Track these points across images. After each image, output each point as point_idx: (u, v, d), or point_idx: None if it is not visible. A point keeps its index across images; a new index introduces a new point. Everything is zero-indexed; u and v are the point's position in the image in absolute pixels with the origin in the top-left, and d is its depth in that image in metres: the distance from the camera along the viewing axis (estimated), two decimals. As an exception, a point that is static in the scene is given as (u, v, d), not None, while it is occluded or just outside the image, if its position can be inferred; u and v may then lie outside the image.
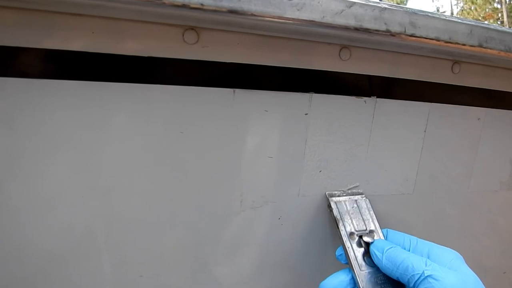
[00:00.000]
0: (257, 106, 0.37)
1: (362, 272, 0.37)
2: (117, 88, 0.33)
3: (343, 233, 0.39)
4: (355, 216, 0.40)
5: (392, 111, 0.43)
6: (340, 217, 0.40)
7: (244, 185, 0.39)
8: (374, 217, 0.41)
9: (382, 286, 0.36)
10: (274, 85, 0.38)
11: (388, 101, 0.43)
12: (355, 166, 0.43)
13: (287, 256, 0.43)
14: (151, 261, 0.38)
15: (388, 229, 0.40)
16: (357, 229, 0.39)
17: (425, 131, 0.45)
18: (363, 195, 0.43)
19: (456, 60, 0.44)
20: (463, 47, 0.39)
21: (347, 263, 0.38)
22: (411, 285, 0.33)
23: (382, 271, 0.36)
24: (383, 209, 0.46)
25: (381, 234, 0.40)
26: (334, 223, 0.40)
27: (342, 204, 0.41)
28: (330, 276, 0.38)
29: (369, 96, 0.42)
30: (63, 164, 0.33)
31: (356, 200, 0.42)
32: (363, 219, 0.40)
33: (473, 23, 0.39)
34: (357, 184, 0.43)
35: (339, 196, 0.42)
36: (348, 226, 0.39)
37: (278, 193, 0.40)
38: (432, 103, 0.45)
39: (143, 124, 0.34)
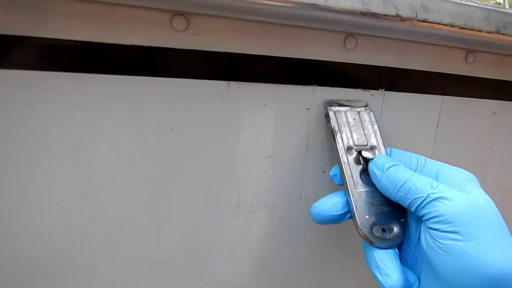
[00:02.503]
0: (254, 100, 0.34)
1: (357, 191, 0.32)
2: (96, 80, 0.29)
3: (339, 146, 0.33)
4: (356, 129, 0.35)
5: (402, 105, 0.40)
6: (338, 128, 0.34)
7: (241, 187, 0.36)
8: (378, 132, 0.35)
9: (379, 207, 0.32)
10: (273, 77, 0.34)
11: (397, 94, 0.39)
12: (362, 165, 0.40)
13: (288, 263, 0.40)
14: (141, 267, 0.34)
15: (393, 148, 0.35)
16: (356, 144, 0.34)
17: (437, 127, 0.42)
18: (367, 107, 0.37)
19: (470, 49, 0.41)
20: (479, 33, 0.36)
21: (342, 184, 0.33)
22: (413, 209, 0.29)
23: (381, 192, 0.31)
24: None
25: (383, 151, 0.34)
26: (330, 135, 0.34)
27: (342, 114, 0.35)
28: (324, 198, 0.33)
29: (376, 88, 0.38)
30: (44, 165, 0.30)
31: (358, 112, 0.36)
32: (364, 133, 0.35)
33: (489, 7, 0.36)
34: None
35: (339, 105, 0.36)
36: (346, 139, 0.34)
37: (278, 195, 0.37)
38: (445, 96, 0.42)
39: (127, 120, 0.31)
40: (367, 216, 0.31)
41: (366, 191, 0.32)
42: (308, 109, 0.36)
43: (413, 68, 0.39)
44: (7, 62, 0.27)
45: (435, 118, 0.42)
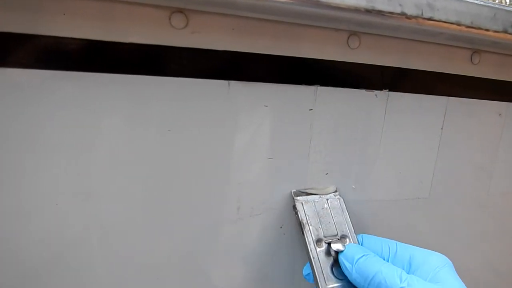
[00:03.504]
0: (255, 101, 0.33)
1: None
2: (92, 79, 0.28)
3: (308, 240, 0.33)
4: (325, 219, 0.34)
5: (406, 106, 0.39)
6: (307, 220, 0.33)
7: (241, 190, 0.35)
8: (348, 218, 0.35)
9: None
10: (274, 77, 0.33)
11: (401, 94, 0.38)
12: (365, 168, 0.39)
13: (289, 268, 0.39)
14: (139, 271, 0.33)
15: (364, 235, 0.35)
16: (326, 235, 0.33)
17: (442, 129, 0.41)
18: (337, 193, 0.36)
19: (476, 49, 0.40)
20: (486, 32, 0.35)
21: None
22: None
23: (354, 284, 0.30)
24: (396, 216, 0.42)
25: (354, 240, 0.34)
26: (299, 228, 0.34)
27: (310, 204, 0.35)
28: None
29: (380, 89, 0.37)
30: (43, 166, 0.29)
31: (327, 199, 0.35)
32: (334, 222, 0.34)
33: (496, 6, 0.35)
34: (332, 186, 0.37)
35: (307, 195, 0.35)
36: (315, 231, 0.33)
37: (279, 198, 0.36)
38: (450, 97, 0.41)
39: (124, 121, 0.30)
40: None
41: (337, 287, 0.31)
42: (311, 109, 0.35)
43: (417, 68, 0.38)
44: (5, 60, 0.26)
45: (439, 120, 0.41)
